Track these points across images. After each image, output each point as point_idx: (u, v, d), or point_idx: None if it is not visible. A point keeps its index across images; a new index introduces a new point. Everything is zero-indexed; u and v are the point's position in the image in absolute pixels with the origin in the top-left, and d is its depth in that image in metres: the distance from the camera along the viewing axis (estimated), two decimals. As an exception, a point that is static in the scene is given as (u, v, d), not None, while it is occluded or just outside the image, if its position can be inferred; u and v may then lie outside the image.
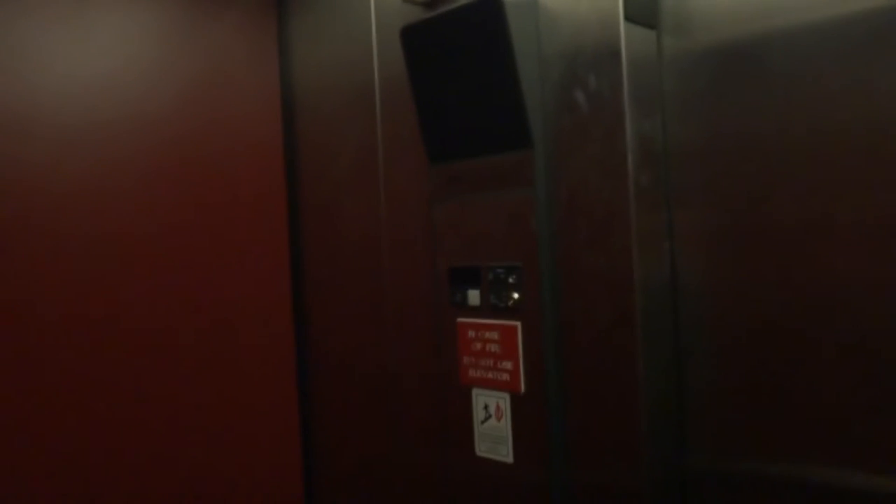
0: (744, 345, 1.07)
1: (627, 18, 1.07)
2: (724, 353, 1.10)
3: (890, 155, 0.93)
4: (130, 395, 1.42)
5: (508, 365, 1.18)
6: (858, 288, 0.96)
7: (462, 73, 1.18)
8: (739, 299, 1.08)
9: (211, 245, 1.55)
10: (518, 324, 1.17)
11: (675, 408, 1.13)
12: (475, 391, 1.24)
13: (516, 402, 1.18)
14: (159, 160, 1.48)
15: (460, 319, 1.25)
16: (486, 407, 1.22)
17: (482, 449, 1.24)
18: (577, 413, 1.14)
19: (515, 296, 1.17)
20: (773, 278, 1.04)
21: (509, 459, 1.20)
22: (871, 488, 0.96)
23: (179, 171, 1.51)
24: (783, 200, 1.02)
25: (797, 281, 1.01)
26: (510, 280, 1.17)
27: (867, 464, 0.97)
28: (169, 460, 1.47)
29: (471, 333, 1.24)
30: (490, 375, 1.21)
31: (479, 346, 1.23)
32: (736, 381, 1.08)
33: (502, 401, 1.20)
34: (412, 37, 1.25)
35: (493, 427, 1.22)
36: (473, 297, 1.23)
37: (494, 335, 1.20)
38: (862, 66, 0.95)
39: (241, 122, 1.61)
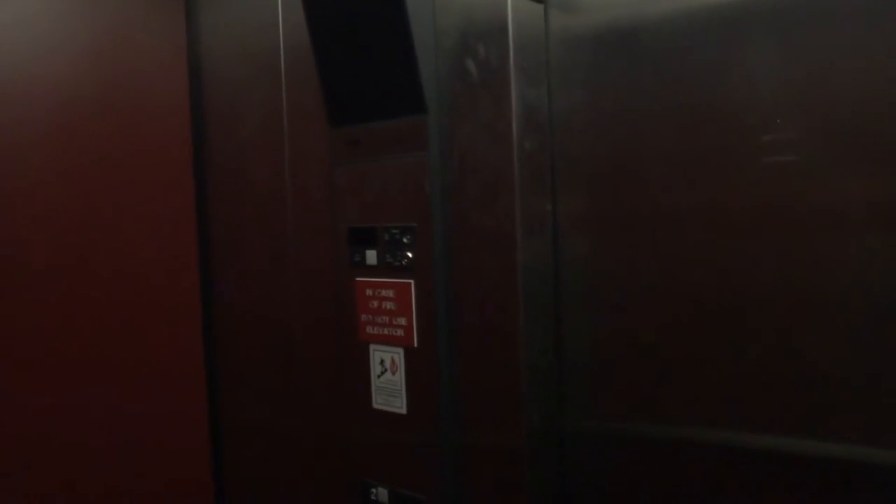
0: (622, 306, 1.17)
1: (515, -8, 1.13)
2: (602, 315, 1.19)
3: (751, 134, 1.03)
4: (30, 353, 1.41)
5: (403, 321, 1.24)
6: (724, 252, 1.06)
7: (361, 39, 1.22)
8: (617, 263, 1.17)
9: (117, 203, 1.54)
10: (412, 282, 1.23)
11: (554, 367, 1.22)
12: (372, 346, 1.29)
13: (410, 356, 1.24)
14: (63, 119, 1.46)
15: (359, 278, 1.30)
16: (381, 362, 1.28)
17: (378, 402, 1.30)
18: (465, 368, 1.21)
19: (409, 255, 1.22)
20: (649, 244, 1.13)
21: (403, 411, 1.26)
22: (738, 444, 1.07)
23: (84, 130, 1.49)
24: (654, 172, 1.12)
25: (671, 248, 1.11)
26: (405, 240, 1.23)
27: (733, 422, 1.07)
28: (74, 415, 1.46)
29: (368, 292, 1.29)
30: (386, 332, 1.27)
31: (375, 303, 1.28)
32: (613, 341, 1.18)
33: (397, 355, 1.26)
34: (314, 2, 1.27)
35: (388, 381, 1.28)
36: (371, 256, 1.28)
37: (390, 293, 1.26)
38: (728, 48, 1.05)
39: (148, 82, 1.59)
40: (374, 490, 1.31)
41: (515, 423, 1.16)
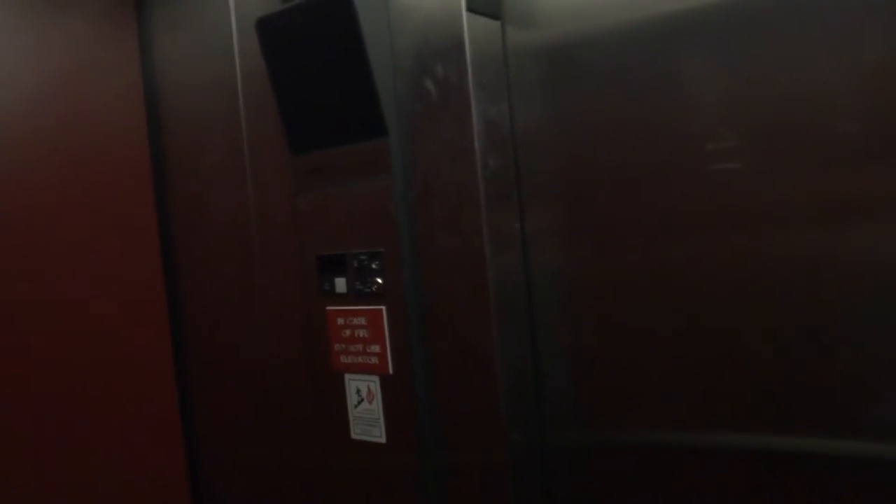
0: (596, 321, 1.16)
1: (470, 9, 1.12)
2: (576, 329, 1.18)
3: (697, 141, 1.03)
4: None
5: (377, 348, 1.22)
6: (691, 263, 1.06)
7: (317, 65, 1.20)
8: (588, 272, 1.16)
9: (79, 240, 1.50)
10: (383, 308, 1.20)
11: (533, 383, 1.20)
12: (347, 376, 1.26)
13: (386, 383, 1.22)
14: (19, 155, 1.42)
15: (329, 307, 1.27)
16: (358, 391, 1.25)
17: (357, 432, 1.26)
18: (443, 391, 1.19)
19: (379, 280, 1.20)
20: (619, 255, 1.12)
21: (382, 440, 1.23)
22: (719, 446, 1.06)
23: (41, 166, 1.45)
24: (616, 181, 1.11)
25: (640, 258, 1.10)
26: (373, 266, 1.20)
27: (717, 426, 1.06)
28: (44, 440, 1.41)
29: (340, 321, 1.26)
30: (360, 360, 1.24)
31: (348, 332, 1.25)
32: (590, 352, 1.16)
33: (373, 384, 1.23)
34: (267, 28, 1.25)
35: (366, 410, 1.25)
36: (340, 284, 1.25)
37: (362, 321, 1.23)
38: (674, 59, 1.05)
39: (104, 116, 1.56)
40: (356, 522, 1.27)
41: (497, 443, 1.14)
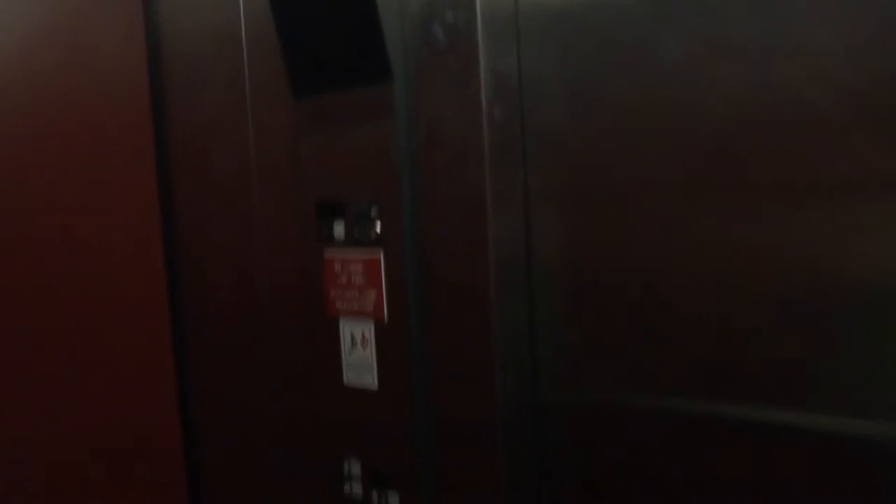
0: (594, 278, 1.16)
1: (483, -45, 1.10)
2: (575, 285, 1.18)
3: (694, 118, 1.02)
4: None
5: (372, 294, 1.22)
6: (696, 224, 1.05)
7: (322, 5, 1.18)
8: (588, 234, 1.16)
9: (76, 181, 1.49)
10: (381, 255, 1.20)
11: (528, 337, 1.21)
12: (342, 321, 1.27)
13: (380, 330, 1.22)
14: (15, 97, 1.41)
15: (327, 253, 1.27)
16: (352, 336, 1.26)
17: (350, 378, 1.28)
18: (437, 341, 1.19)
19: (378, 227, 1.20)
20: (617, 216, 1.12)
21: (374, 387, 1.24)
22: (712, 414, 1.07)
23: (40, 109, 1.44)
24: (625, 144, 1.10)
25: (636, 219, 1.10)
26: (372, 212, 1.20)
27: (711, 392, 1.07)
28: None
29: (337, 266, 1.26)
30: (356, 306, 1.25)
31: (344, 278, 1.25)
32: (587, 313, 1.17)
33: (367, 330, 1.24)
34: (273, -33, 1.23)
35: (359, 356, 1.26)
36: (339, 230, 1.25)
37: (359, 267, 1.23)
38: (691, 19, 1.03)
39: (105, 59, 1.54)
40: (346, 465, 1.29)
41: (489, 395, 1.15)
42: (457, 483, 1.21)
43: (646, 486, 1.13)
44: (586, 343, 1.17)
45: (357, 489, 1.29)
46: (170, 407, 1.62)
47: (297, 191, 1.33)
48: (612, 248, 1.13)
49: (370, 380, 1.25)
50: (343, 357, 1.28)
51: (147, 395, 1.59)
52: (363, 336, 1.24)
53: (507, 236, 1.15)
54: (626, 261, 1.12)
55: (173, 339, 1.62)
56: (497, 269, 1.13)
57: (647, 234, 1.09)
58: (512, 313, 1.16)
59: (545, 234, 1.19)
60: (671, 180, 1.06)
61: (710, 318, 1.05)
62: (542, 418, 1.22)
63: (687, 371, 1.08)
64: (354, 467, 1.28)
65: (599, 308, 1.15)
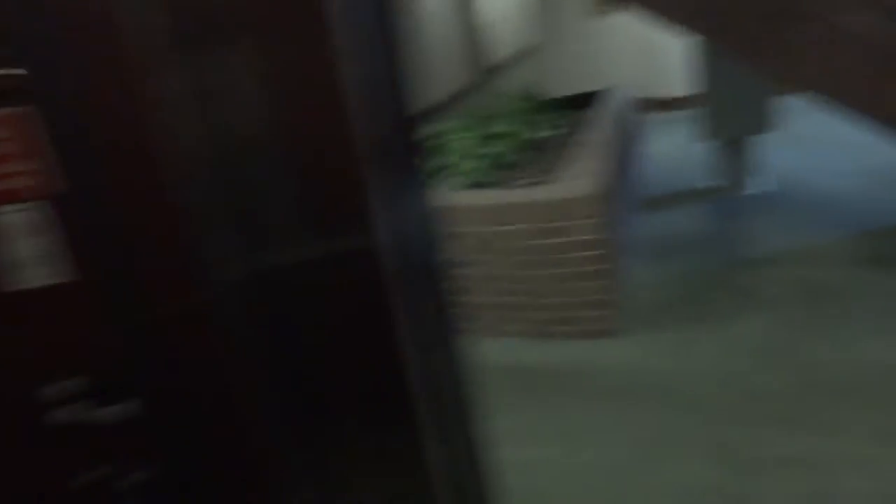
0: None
1: None
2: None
3: None
4: None
5: (32, 164, 0.94)
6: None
7: None
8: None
9: None
10: (28, 109, 0.92)
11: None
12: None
13: (57, 206, 0.96)
14: None
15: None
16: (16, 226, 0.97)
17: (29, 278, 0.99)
18: (125, 214, 0.98)
19: (14, 70, 0.91)
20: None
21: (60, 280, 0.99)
22: None
23: None
24: None
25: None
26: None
27: None
28: None
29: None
30: (10, 184, 0.95)
31: (-18, 152, 0.94)
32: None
33: (35, 212, 0.96)
34: None
35: (33, 247, 0.98)
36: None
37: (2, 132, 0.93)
38: None
39: None
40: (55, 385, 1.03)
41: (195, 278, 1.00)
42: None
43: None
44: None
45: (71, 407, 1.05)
46: None
47: None
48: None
49: (52, 274, 0.99)
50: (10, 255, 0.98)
51: None
52: (32, 220, 0.97)
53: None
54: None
55: None
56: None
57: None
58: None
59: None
60: None
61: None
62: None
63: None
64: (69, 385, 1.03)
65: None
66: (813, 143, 5.32)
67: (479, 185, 3.52)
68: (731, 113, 4.36)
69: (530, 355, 3.14)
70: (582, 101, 5.24)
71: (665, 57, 7.39)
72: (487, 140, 3.95)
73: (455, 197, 3.23)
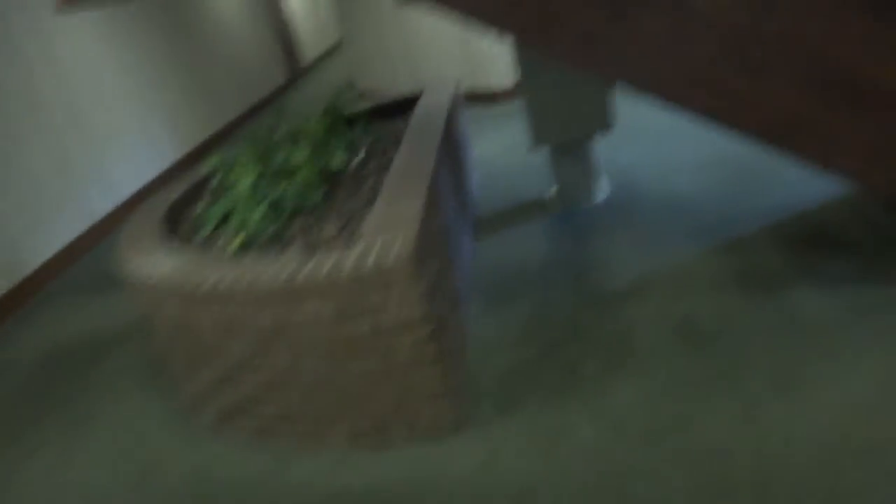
0: None
1: None
2: None
3: None
4: None
5: None
6: None
7: None
8: None
9: None
10: None
11: None
12: None
13: None
14: None
15: None
16: None
17: None
18: None
19: None
20: None
21: None
22: None
23: None
24: None
25: None
26: None
27: None
28: None
29: None
30: None
31: None
32: None
33: None
34: None
35: None
36: None
37: None
38: None
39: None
40: None
41: None
42: None
43: None
44: None
45: None
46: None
47: None
48: None
49: None
50: None
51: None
52: None
53: None
54: None
55: None
56: None
57: None
58: None
59: None
60: None
61: None
62: None
63: None
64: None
65: None
66: (650, 137, 4.96)
67: (260, 249, 2.62)
68: (560, 114, 3.77)
69: (352, 474, 2.31)
70: (397, 108, 4.46)
71: (486, 44, 6.82)
72: (276, 175, 3.04)
73: (223, 270, 2.29)
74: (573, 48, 2.30)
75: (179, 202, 3.33)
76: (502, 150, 5.38)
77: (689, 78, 2.30)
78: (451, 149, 3.70)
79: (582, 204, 4.04)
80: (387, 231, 2.32)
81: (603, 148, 4.92)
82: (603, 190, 4.13)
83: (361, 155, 3.53)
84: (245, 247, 2.64)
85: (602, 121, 3.78)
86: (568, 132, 3.82)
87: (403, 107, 4.46)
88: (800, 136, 2.38)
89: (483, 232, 3.97)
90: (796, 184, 3.70)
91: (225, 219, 2.96)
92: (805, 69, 2.26)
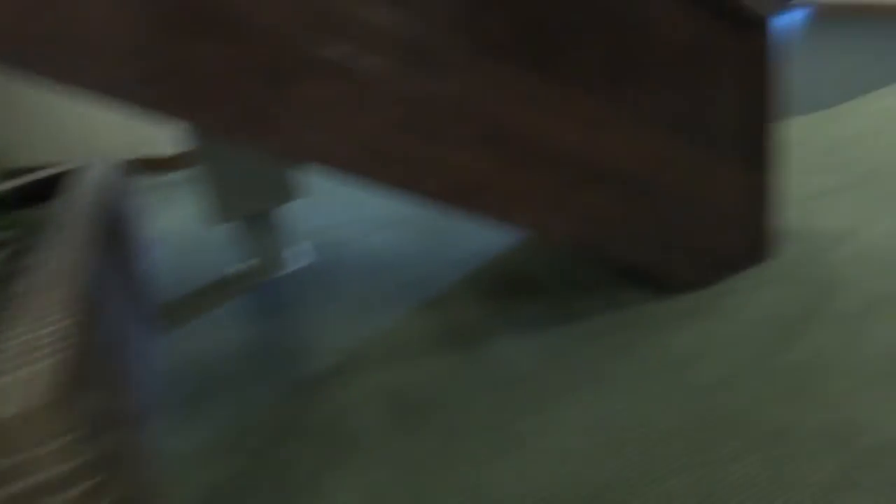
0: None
1: None
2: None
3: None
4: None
5: None
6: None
7: None
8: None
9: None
10: None
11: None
12: None
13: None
14: None
15: None
16: None
17: None
18: None
19: None
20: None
21: None
22: None
23: None
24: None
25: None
26: None
27: None
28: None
29: None
30: None
31: None
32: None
33: None
34: None
35: None
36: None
37: None
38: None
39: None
40: None
41: None
42: None
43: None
44: None
45: None
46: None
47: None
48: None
49: None
50: None
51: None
52: None
53: None
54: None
55: None
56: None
57: None
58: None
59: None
60: None
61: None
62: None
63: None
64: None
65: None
66: (339, 197, 4.90)
67: None
68: (242, 188, 3.47)
69: None
70: (43, 189, 3.68)
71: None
72: None
73: None
74: (229, 122, 2.04)
75: None
76: (187, 221, 4.85)
77: (361, 147, 2.21)
78: (114, 233, 3.12)
79: (279, 274, 3.77)
80: (25, 363, 1.76)
81: (298, 209, 4.74)
82: (305, 256, 3.91)
83: (2, 255, 2.77)
84: None
85: (285, 193, 3.56)
86: (251, 206, 3.53)
87: (55, 184, 3.71)
88: (478, 196, 2.46)
89: (171, 321, 3.44)
90: (481, 233, 3.93)
91: None
92: (479, 131, 2.34)
